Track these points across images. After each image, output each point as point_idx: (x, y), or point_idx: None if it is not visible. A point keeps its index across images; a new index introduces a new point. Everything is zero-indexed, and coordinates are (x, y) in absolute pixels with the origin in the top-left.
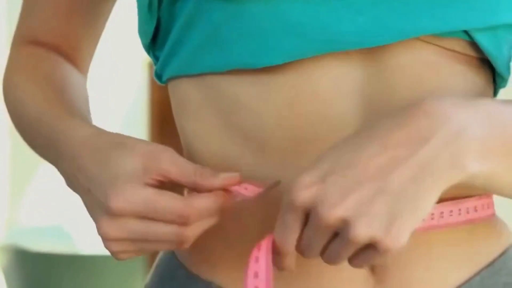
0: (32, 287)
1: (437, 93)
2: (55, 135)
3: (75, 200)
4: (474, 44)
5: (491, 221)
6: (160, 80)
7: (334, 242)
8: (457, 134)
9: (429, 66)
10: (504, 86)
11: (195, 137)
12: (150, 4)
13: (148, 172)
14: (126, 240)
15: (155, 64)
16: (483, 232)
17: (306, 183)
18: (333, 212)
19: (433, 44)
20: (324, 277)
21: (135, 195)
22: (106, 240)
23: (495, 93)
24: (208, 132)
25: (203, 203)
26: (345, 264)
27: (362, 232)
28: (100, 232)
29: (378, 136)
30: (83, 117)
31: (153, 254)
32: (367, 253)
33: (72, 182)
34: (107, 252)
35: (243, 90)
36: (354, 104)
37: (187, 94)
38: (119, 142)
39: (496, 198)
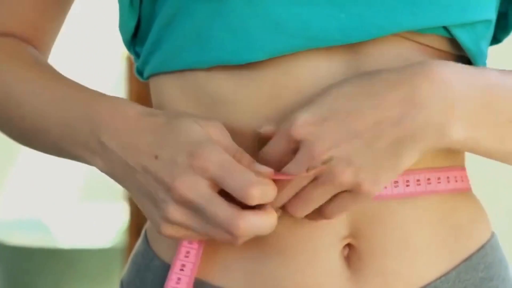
0: (11, 281)
1: (417, 89)
2: (89, 109)
3: (54, 193)
4: (453, 41)
5: (470, 213)
6: (142, 76)
7: (312, 185)
8: (452, 105)
9: (409, 62)
10: None
11: None
12: (131, 1)
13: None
14: (184, 227)
15: (136, 60)
16: (461, 226)
17: (306, 120)
18: (325, 152)
19: (413, 40)
20: (300, 269)
21: (220, 153)
22: (166, 221)
23: None
24: None
25: (254, 221)
26: (321, 256)
27: (348, 176)
28: (176, 192)
29: (378, 93)
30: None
31: (130, 247)
32: (344, 198)
33: (122, 155)
34: (85, 246)
35: (224, 87)
36: None
37: (168, 91)
38: (176, 115)
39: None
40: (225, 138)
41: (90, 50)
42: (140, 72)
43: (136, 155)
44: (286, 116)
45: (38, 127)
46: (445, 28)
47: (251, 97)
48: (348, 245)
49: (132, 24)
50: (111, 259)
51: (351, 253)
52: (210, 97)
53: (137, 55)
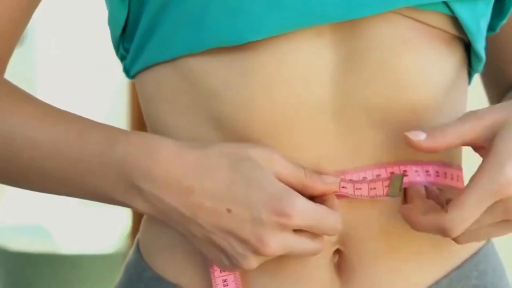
0: (12, 286)
1: (412, 71)
2: (116, 156)
3: (55, 198)
4: (453, 20)
5: None
6: (128, 74)
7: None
8: None
9: (405, 42)
10: (479, 70)
11: (168, 125)
12: None
13: None
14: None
15: (124, 58)
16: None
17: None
18: None
19: (412, 18)
20: (291, 277)
21: (307, 207)
22: (267, 254)
23: (470, 77)
24: (181, 119)
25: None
26: (312, 264)
27: None
28: (265, 250)
29: None
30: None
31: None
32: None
33: (176, 205)
34: (87, 251)
35: (216, 76)
36: (328, 88)
37: (161, 81)
38: (227, 151)
39: None
40: (287, 165)
41: (92, 56)
42: (127, 70)
43: (198, 207)
44: (279, 106)
45: (48, 170)
46: (445, 4)
47: (243, 88)
48: (339, 252)
49: (122, 17)
50: (113, 265)
51: (341, 261)
52: (202, 88)
53: (126, 51)
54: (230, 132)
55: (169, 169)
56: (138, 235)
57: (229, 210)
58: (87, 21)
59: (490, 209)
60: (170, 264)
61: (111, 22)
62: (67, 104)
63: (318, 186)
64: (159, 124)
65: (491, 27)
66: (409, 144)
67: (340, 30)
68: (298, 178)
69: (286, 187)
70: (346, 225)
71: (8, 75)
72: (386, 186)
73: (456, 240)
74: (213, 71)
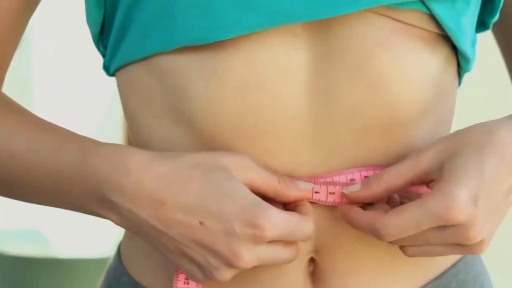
0: None
1: (390, 73)
2: (91, 169)
3: None
4: (432, 18)
5: None
6: (108, 72)
7: (436, 231)
8: None
9: (382, 42)
10: (469, 70)
11: (142, 125)
12: None
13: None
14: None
15: (104, 55)
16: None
17: (468, 201)
18: (479, 236)
19: (388, 16)
20: (265, 286)
21: (279, 219)
22: (240, 266)
23: (460, 77)
24: (155, 119)
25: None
26: (287, 273)
27: (477, 238)
28: (239, 262)
29: (504, 160)
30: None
31: None
32: (454, 248)
33: (148, 218)
34: (84, 256)
35: (189, 76)
36: (301, 90)
37: (135, 80)
38: (199, 161)
39: None
40: (261, 172)
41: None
42: (107, 67)
43: (170, 220)
44: (250, 109)
45: (27, 182)
46: (423, 2)
47: (213, 90)
48: (314, 261)
49: (99, 16)
50: None
51: (316, 270)
52: (174, 88)
53: (105, 49)
54: (202, 134)
55: (140, 182)
56: (121, 240)
57: (201, 223)
58: (84, 24)
59: (441, 231)
60: (146, 270)
61: (89, 20)
62: (63, 106)
63: (292, 192)
64: (135, 124)
65: (483, 25)
66: (348, 199)
67: (315, 30)
68: (272, 185)
69: (259, 198)
70: (319, 234)
71: (5, 77)
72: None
73: (403, 250)
74: (185, 71)
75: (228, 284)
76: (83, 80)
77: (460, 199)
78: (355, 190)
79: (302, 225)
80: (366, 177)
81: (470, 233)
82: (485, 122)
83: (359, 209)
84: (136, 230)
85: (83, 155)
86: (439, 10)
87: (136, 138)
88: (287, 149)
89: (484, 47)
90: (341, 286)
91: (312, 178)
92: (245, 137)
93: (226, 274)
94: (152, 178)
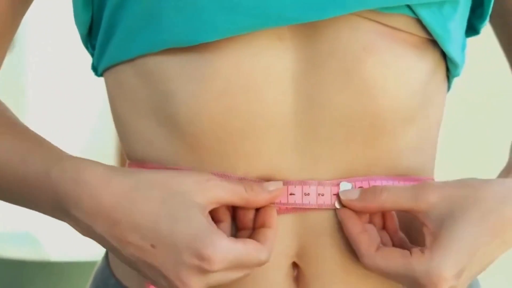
0: None
1: (376, 77)
2: (50, 180)
3: None
4: (419, 22)
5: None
6: (96, 72)
7: None
8: None
9: (368, 47)
10: (458, 75)
11: (129, 126)
12: None
13: (206, 207)
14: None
15: (92, 56)
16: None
17: (448, 279)
18: None
19: (375, 21)
20: None
21: (229, 251)
22: None
23: (449, 82)
24: (141, 121)
25: (273, 243)
26: (269, 278)
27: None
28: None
29: (500, 233)
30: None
31: None
32: None
33: (105, 235)
34: (76, 259)
35: (174, 78)
36: (286, 94)
37: (122, 81)
38: (160, 183)
39: None
40: (225, 186)
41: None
42: (95, 68)
43: (123, 240)
44: (236, 113)
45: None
46: (409, 7)
47: (198, 92)
48: (297, 266)
49: (86, 17)
50: None
51: (299, 275)
52: (159, 90)
53: (93, 49)
54: (187, 136)
55: (98, 199)
56: None
57: (153, 246)
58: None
59: (415, 286)
60: (132, 273)
61: (77, 21)
62: (56, 108)
63: (261, 197)
64: (122, 125)
65: (473, 29)
66: (343, 203)
67: (301, 33)
68: (239, 196)
69: (212, 228)
70: (301, 238)
71: None
72: (334, 194)
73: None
74: (170, 73)
75: None
76: (76, 82)
77: (446, 276)
78: (351, 198)
79: (254, 255)
80: (360, 187)
81: None
82: (501, 184)
83: (358, 223)
84: (98, 242)
85: (46, 167)
86: (426, 15)
87: (123, 139)
88: (272, 153)
89: (476, 51)
90: None
91: (296, 183)
92: (230, 140)
93: None
94: (110, 195)
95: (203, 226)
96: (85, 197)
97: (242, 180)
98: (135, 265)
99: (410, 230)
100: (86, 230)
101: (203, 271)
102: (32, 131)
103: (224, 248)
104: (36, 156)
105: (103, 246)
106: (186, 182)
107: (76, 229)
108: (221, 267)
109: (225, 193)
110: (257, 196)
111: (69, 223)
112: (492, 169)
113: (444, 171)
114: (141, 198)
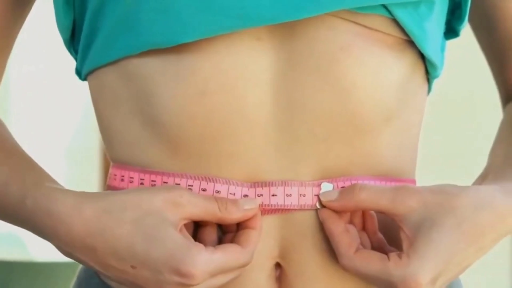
0: None
1: (354, 78)
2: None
3: None
4: (395, 22)
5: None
6: (80, 76)
7: None
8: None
9: (344, 48)
10: (437, 76)
11: (112, 129)
12: None
13: (178, 223)
14: None
15: (76, 60)
16: (400, 246)
17: (423, 285)
18: None
19: (351, 21)
20: None
21: (208, 264)
22: None
23: (429, 84)
24: (124, 123)
25: (255, 245)
26: (251, 278)
27: None
28: None
29: (478, 240)
30: (30, 163)
31: None
32: None
33: (82, 258)
34: (60, 259)
35: (154, 79)
36: (265, 95)
37: (104, 84)
38: (132, 204)
39: None
40: (198, 203)
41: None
42: (79, 72)
43: (105, 264)
44: (215, 114)
45: None
46: (385, 7)
47: (177, 93)
48: (280, 266)
49: (68, 21)
50: None
51: (282, 275)
52: (141, 92)
53: (76, 53)
54: (168, 138)
55: (71, 228)
56: None
57: (133, 267)
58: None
59: None
60: None
61: (59, 26)
62: (40, 111)
63: (234, 216)
64: (105, 127)
65: (453, 32)
66: (323, 204)
67: (279, 34)
68: (212, 213)
69: (188, 243)
70: (283, 240)
71: None
72: (315, 195)
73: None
74: (151, 74)
75: None
76: (60, 84)
77: (422, 282)
78: (330, 199)
79: (236, 260)
80: (342, 187)
81: None
82: (476, 191)
83: (339, 223)
84: (84, 265)
85: (22, 198)
86: (402, 15)
87: (107, 141)
88: (254, 153)
89: (455, 52)
90: None
91: (277, 183)
92: (210, 141)
93: None
94: (82, 223)
95: (178, 243)
96: (59, 227)
97: (219, 194)
98: (122, 283)
99: (389, 232)
100: (68, 255)
101: (186, 286)
102: (19, 150)
103: (203, 261)
104: (14, 183)
105: (88, 267)
106: (158, 199)
107: (61, 253)
108: (203, 279)
109: (198, 211)
110: (231, 215)
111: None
112: (471, 172)
113: (424, 172)
114: (113, 221)
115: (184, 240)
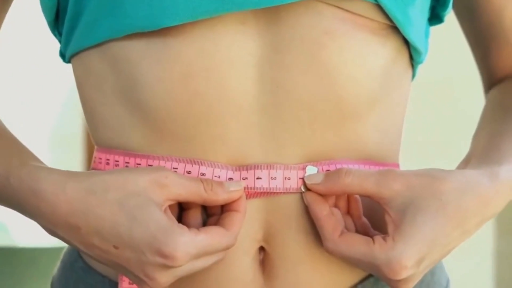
0: None
1: (337, 63)
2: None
3: None
4: (379, 8)
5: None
6: (64, 58)
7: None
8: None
9: (328, 33)
10: (421, 62)
11: (96, 113)
12: None
13: (163, 204)
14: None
15: (60, 42)
16: (381, 227)
17: (407, 267)
18: (409, 286)
19: (336, 6)
20: (210, 278)
21: (191, 245)
22: (157, 287)
23: (414, 69)
24: (108, 107)
25: (239, 227)
26: (235, 262)
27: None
28: (154, 285)
29: (463, 224)
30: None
31: None
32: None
33: (66, 237)
34: (44, 245)
35: (139, 63)
36: (250, 79)
37: (88, 67)
38: (116, 184)
39: None
40: (183, 184)
41: (45, 51)
42: (62, 54)
43: (88, 244)
44: (199, 97)
45: None
46: None
47: (162, 77)
48: (264, 250)
49: (52, 3)
50: None
51: (266, 258)
52: (125, 76)
53: (60, 36)
54: (152, 121)
55: (55, 206)
56: None
57: (116, 247)
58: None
59: (375, 269)
60: None
61: (43, 8)
62: (23, 95)
63: (220, 198)
64: (89, 111)
65: (437, 18)
66: (308, 187)
67: (264, 18)
68: (197, 194)
69: (171, 224)
70: (267, 224)
71: None
72: (300, 178)
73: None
74: (134, 58)
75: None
76: (43, 67)
77: (407, 264)
78: (316, 182)
79: (219, 242)
80: (327, 170)
81: (402, 286)
82: (460, 175)
83: (324, 206)
84: (68, 244)
85: (6, 176)
86: (386, 1)
87: (91, 125)
88: (238, 137)
89: (438, 38)
90: (291, 274)
91: (263, 167)
92: (195, 124)
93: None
94: (66, 202)
95: (161, 224)
96: (43, 206)
97: (204, 176)
98: (104, 263)
99: (373, 216)
100: (52, 234)
101: (168, 267)
102: (4, 130)
103: (186, 243)
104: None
105: (72, 246)
106: (143, 180)
107: (46, 232)
108: (185, 261)
109: (183, 191)
110: (217, 196)
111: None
112: (452, 157)
113: (406, 157)
114: (97, 201)
115: (168, 221)
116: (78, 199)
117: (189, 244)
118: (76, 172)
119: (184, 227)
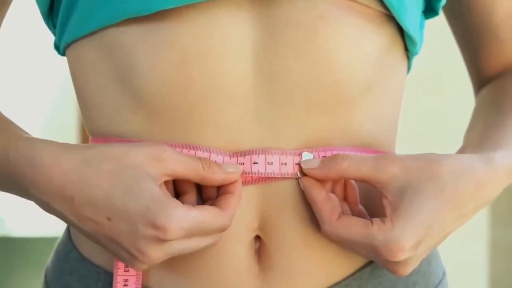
0: None
1: (331, 48)
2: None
3: None
4: None
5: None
6: (59, 50)
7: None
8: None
9: (323, 17)
10: (417, 53)
11: (92, 101)
12: None
13: (159, 178)
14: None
15: (54, 34)
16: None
17: (405, 249)
18: (408, 270)
19: None
20: (205, 266)
21: (184, 219)
22: (148, 263)
23: (409, 61)
24: (104, 95)
25: (234, 209)
26: (230, 251)
27: (409, 269)
28: (145, 260)
29: (461, 206)
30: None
31: None
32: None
33: (59, 209)
34: (38, 234)
35: (134, 49)
36: (245, 63)
37: (84, 56)
38: (112, 156)
39: None
40: (181, 160)
41: (38, 44)
42: (57, 46)
43: (80, 215)
44: (193, 81)
45: None
46: None
47: (159, 61)
48: (259, 239)
49: None
50: None
51: (261, 247)
52: (121, 62)
53: (54, 27)
54: (148, 107)
55: (50, 177)
56: None
57: (109, 219)
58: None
59: (373, 252)
60: (94, 246)
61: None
62: (17, 85)
63: (217, 177)
64: (85, 100)
65: (432, 10)
66: (304, 172)
67: (259, 3)
68: (195, 171)
69: (166, 197)
70: (263, 212)
71: None
72: (296, 164)
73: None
74: (129, 44)
75: (170, 263)
76: (38, 57)
77: (405, 246)
78: (312, 166)
79: (214, 220)
80: (323, 157)
81: (400, 269)
82: (457, 158)
83: (321, 191)
84: (59, 218)
85: (4, 150)
86: None
87: (86, 114)
88: (234, 122)
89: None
90: (286, 264)
91: (264, 151)
92: (191, 110)
93: (141, 267)
94: (61, 173)
95: (155, 197)
96: (39, 176)
97: (202, 157)
98: (96, 239)
99: (369, 203)
100: (46, 207)
101: (160, 241)
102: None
103: (179, 216)
104: None
105: (64, 221)
106: (140, 153)
107: (41, 208)
108: (178, 235)
109: (181, 166)
110: (214, 175)
111: (31, 200)
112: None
113: (399, 148)
114: (92, 172)
115: (162, 194)
116: (73, 170)
117: (182, 217)
118: (73, 144)
119: (179, 202)
